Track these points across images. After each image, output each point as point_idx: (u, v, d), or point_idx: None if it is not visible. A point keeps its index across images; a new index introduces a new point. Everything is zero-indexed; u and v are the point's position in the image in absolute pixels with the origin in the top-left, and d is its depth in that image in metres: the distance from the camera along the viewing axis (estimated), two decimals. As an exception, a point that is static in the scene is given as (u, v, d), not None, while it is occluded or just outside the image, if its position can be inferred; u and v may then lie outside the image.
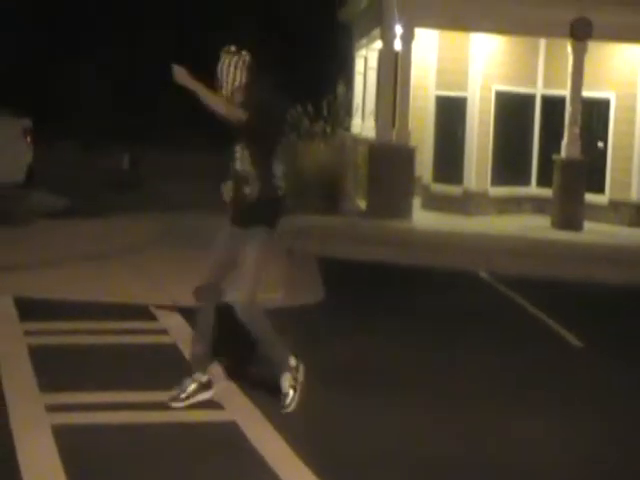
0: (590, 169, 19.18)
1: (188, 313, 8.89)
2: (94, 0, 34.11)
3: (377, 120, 20.01)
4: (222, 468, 6.43)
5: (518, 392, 8.55)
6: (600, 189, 19.80)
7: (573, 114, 19.09)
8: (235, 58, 7.24)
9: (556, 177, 19.13)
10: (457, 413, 7.83)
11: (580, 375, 9.31)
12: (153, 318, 10.18)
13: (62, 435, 6.69)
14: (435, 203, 20.12)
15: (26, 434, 6.70)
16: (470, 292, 12.95)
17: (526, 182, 20.78)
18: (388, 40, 19.06)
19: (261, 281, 7.48)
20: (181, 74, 7.13)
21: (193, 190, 20.43)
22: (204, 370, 7.56)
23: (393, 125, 19.08)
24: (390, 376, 8.76)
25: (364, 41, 23.23)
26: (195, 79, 7.11)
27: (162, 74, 7.14)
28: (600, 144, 19.99)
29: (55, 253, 13.12)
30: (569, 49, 19.03)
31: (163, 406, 7.39)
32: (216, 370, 8.05)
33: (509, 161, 20.36)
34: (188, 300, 8.06)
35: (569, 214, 18.86)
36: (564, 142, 19.14)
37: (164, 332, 9.63)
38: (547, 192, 19.62)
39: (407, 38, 18.82)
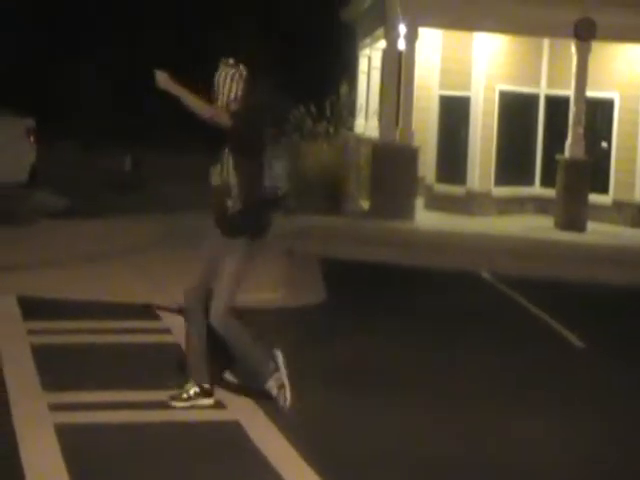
0: (594, 169, 19.16)
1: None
2: (94, 0, 34.10)
3: (380, 120, 20.01)
4: (224, 468, 6.44)
5: (518, 392, 8.56)
6: (604, 189, 19.79)
7: (577, 114, 19.09)
8: (232, 71, 7.35)
9: (560, 177, 19.11)
10: (457, 413, 7.85)
11: (581, 375, 9.32)
12: (156, 317, 10.21)
13: (65, 434, 6.71)
14: (438, 203, 20.10)
15: (29, 432, 6.73)
16: (472, 292, 12.96)
17: (529, 182, 20.78)
18: (392, 40, 19.06)
19: (238, 291, 7.44)
20: (163, 79, 7.21)
21: (193, 192, 20.40)
22: (205, 377, 7.53)
23: (396, 125, 19.08)
24: (390, 376, 8.78)
25: (368, 40, 23.22)
26: (177, 83, 7.19)
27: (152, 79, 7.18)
28: (604, 144, 19.99)
29: (58, 253, 13.15)
30: (573, 49, 19.02)
31: (166, 405, 7.41)
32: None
33: (512, 161, 20.34)
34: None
35: (572, 214, 18.83)
36: (568, 142, 19.12)
37: (167, 331, 9.65)
38: (550, 192, 19.60)
39: (411, 38, 18.82)
